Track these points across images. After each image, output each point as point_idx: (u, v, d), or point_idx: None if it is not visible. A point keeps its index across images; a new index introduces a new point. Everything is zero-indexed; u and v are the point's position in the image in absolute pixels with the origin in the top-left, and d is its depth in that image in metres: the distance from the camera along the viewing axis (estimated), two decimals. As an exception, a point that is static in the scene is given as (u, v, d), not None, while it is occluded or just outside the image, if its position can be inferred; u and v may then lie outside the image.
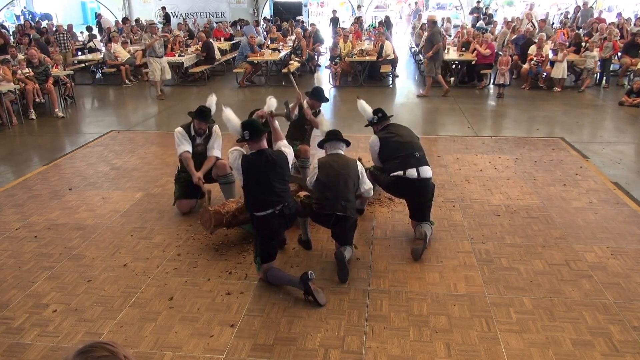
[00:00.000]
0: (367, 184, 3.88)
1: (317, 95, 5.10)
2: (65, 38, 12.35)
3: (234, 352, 2.90)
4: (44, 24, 15.45)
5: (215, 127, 4.73)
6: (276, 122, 3.97)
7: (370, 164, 4.42)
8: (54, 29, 13.59)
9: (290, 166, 3.65)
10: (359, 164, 3.85)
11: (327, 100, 5.30)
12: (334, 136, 3.98)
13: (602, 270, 3.67)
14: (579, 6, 16.50)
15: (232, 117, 3.64)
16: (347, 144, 4.04)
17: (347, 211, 3.54)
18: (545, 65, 10.32)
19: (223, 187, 4.70)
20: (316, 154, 5.61)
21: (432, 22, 9.83)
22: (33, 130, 8.09)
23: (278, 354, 2.89)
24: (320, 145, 4.08)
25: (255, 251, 3.54)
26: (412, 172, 3.89)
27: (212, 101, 4.68)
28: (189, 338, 3.03)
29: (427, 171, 3.95)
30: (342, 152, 3.92)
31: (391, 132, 4.15)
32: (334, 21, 17.38)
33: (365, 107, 4.41)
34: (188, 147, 4.58)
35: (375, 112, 4.35)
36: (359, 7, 19.26)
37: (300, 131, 5.24)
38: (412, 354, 2.87)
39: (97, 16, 16.71)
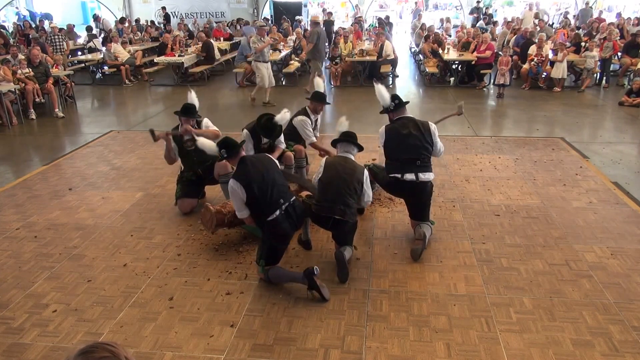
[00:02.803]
0: (367, 195, 3.79)
1: (319, 98, 5.15)
2: (59, 39, 12.17)
3: (234, 352, 2.90)
4: (45, 23, 15.41)
5: (205, 121, 4.82)
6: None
7: (372, 162, 4.40)
8: (49, 29, 13.35)
9: (280, 163, 3.68)
10: (365, 172, 3.76)
11: (328, 103, 5.34)
12: (347, 138, 3.90)
13: (602, 270, 3.67)
14: (567, 10, 16.62)
15: (206, 142, 3.68)
16: (360, 148, 3.95)
17: (346, 215, 3.53)
18: (545, 65, 10.32)
19: (224, 186, 4.70)
20: (315, 154, 5.62)
21: (314, 23, 10.30)
22: (33, 130, 8.09)
23: (278, 354, 2.89)
24: (334, 144, 4.03)
25: (259, 254, 3.54)
26: (410, 177, 3.87)
27: (192, 97, 4.78)
28: (189, 338, 3.03)
29: (426, 176, 3.91)
30: (352, 157, 3.84)
31: (399, 131, 3.96)
32: (328, 25, 15.20)
33: (383, 93, 4.14)
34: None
35: (393, 98, 4.11)
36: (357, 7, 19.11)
37: (296, 132, 5.25)
38: (412, 354, 2.87)
39: (95, 17, 16.64)
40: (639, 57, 10.33)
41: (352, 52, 11.41)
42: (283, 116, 4.43)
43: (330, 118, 8.30)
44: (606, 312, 3.20)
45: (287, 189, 3.56)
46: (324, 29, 14.11)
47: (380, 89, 4.17)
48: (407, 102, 4.20)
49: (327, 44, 14.12)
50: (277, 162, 3.66)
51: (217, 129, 4.79)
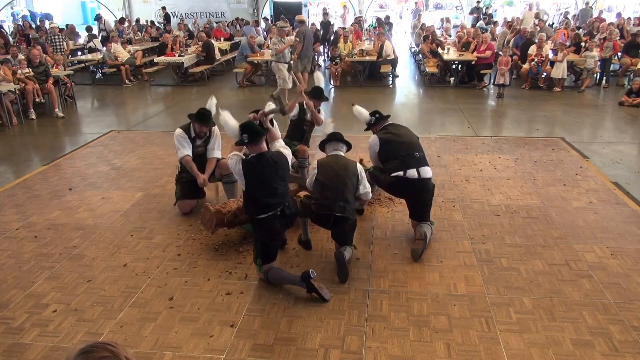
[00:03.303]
0: (366, 187, 3.82)
1: (317, 95, 5.14)
2: (59, 39, 12.17)
3: (234, 352, 2.90)
4: (46, 23, 15.40)
5: (215, 128, 4.72)
6: (269, 123, 3.97)
7: (370, 165, 4.42)
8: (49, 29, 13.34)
9: (290, 166, 3.64)
10: (358, 165, 3.82)
11: (326, 99, 5.33)
12: (334, 137, 3.98)
13: (602, 270, 3.67)
14: (567, 11, 16.57)
15: (230, 120, 3.57)
16: (348, 145, 4.01)
17: (346, 212, 3.54)
18: (545, 65, 10.33)
19: (226, 186, 4.71)
20: (315, 154, 5.61)
21: (300, 22, 10.51)
22: (33, 130, 8.09)
23: (278, 354, 2.89)
24: (321, 146, 4.06)
25: (255, 253, 3.54)
26: (412, 173, 3.89)
27: (212, 104, 4.63)
28: (189, 338, 3.03)
29: (427, 171, 3.94)
30: (342, 154, 3.91)
31: (391, 132, 4.13)
32: (325, 26, 14.93)
33: (362, 111, 4.42)
34: (188, 151, 4.56)
35: (373, 113, 4.36)
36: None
37: (299, 131, 5.27)
38: (412, 354, 2.87)
39: (98, 17, 16.61)
40: (639, 57, 10.33)
41: (352, 52, 11.41)
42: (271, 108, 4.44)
43: (330, 118, 8.29)
44: (606, 312, 3.20)
45: (287, 194, 3.54)
46: (319, 28, 14.21)
47: (358, 109, 4.43)
48: (388, 116, 4.38)
49: (326, 43, 14.20)
50: (289, 160, 3.59)
51: (218, 158, 4.72)
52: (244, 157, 3.45)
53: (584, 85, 10.23)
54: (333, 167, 3.70)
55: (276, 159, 3.45)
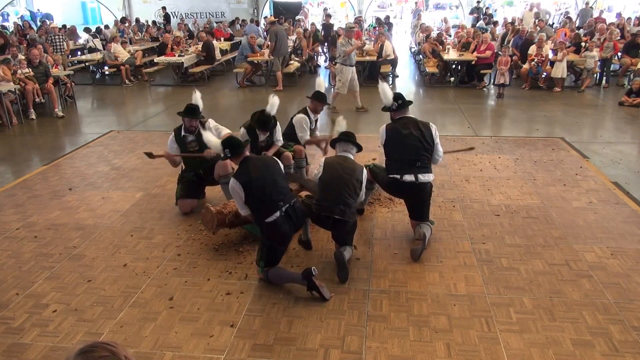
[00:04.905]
0: (362, 195, 3.84)
1: (320, 98, 5.17)
2: (59, 39, 12.17)
3: (234, 352, 2.91)
4: (46, 23, 15.38)
5: (209, 121, 4.77)
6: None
7: (372, 162, 4.41)
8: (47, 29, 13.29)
9: (281, 164, 3.69)
10: (364, 172, 3.78)
11: (329, 103, 5.36)
12: (346, 137, 3.91)
13: (602, 270, 3.67)
14: (567, 10, 16.55)
15: (211, 139, 3.69)
16: (359, 148, 3.96)
17: (346, 215, 3.54)
18: (545, 65, 10.33)
19: (224, 187, 4.70)
20: (315, 154, 5.62)
21: (270, 23, 11.04)
22: (33, 130, 8.09)
23: (278, 354, 2.89)
24: (332, 144, 4.04)
25: (259, 255, 3.54)
26: (409, 177, 3.86)
27: (197, 97, 4.76)
28: (189, 338, 3.03)
29: (426, 177, 3.90)
30: (351, 156, 3.86)
31: (400, 131, 3.94)
32: (327, 28, 14.49)
33: (387, 92, 4.11)
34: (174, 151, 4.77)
35: (396, 98, 4.07)
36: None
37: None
38: (412, 354, 2.87)
39: (98, 30, 16.41)
40: (639, 57, 10.33)
41: (352, 52, 11.39)
42: (273, 102, 4.52)
43: (329, 118, 8.29)
44: (606, 312, 3.20)
45: (289, 190, 3.55)
46: (320, 29, 14.22)
47: (384, 87, 4.16)
48: (410, 102, 4.17)
49: (327, 43, 14.19)
50: (281, 164, 3.64)
51: (229, 131, 4.75)
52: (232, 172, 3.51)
53: (584, 85, 10.23)
54: (338, 168, 3.68)
55: (260, 157, 3.58)
